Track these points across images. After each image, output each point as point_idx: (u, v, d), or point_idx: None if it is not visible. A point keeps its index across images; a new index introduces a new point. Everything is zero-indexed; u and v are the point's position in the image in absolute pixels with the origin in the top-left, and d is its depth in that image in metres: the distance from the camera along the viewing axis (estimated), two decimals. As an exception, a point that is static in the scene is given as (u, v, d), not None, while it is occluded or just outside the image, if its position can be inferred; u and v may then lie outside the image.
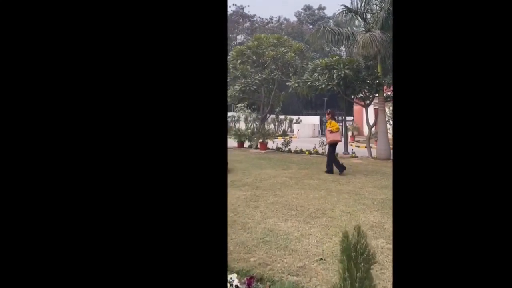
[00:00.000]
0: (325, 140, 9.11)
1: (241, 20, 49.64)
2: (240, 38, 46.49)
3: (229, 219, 4.43)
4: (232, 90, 14.28)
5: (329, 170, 8.45)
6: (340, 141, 8.99)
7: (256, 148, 13.89)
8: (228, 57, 14.97)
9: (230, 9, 50.63)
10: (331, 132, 8.55)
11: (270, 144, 14.06)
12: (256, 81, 13.92)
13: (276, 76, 13.86)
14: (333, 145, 8.62)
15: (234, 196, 5.77)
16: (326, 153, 9.04)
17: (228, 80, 15.01)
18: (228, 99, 14.59)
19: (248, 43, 15.20)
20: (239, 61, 14.47)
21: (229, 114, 25.60)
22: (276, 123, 20.72)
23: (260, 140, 13.88)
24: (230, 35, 48.11)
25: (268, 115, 15.47)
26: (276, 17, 50.96)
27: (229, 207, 5.02)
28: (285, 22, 48.58)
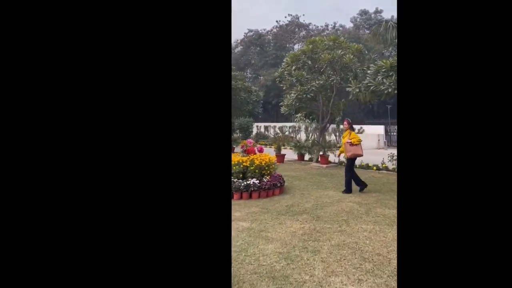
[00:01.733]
0: (395, 154, 7.50)
1: (296, 29, 48.63)
2: (296, 47, 45.36)
3: (279, 269, 3.21)
4: (289, 98, 13.00)
5: (348, 189, 7.05)
6: (362, 155, 7.32)
7: (317, 161, 12.29)
8: (283, 63, 13.78)
9: (285, 19, 49.99)
10: (352, 144, 7.07)
11: (332, 156, 12.18)
12: (313, 88, 12.45)
13: (334, 81, 12.30)
14: (353, 160, 7.22)
15: (290, 229, 4.48)
16: (345, 168, 7.38)
17: (284, 88, 13.86)
18: (285, 108, 13.37)
19: (303, 48, 13.84)
20: (294, 67, 13.14)
21: (288, 124, 24.58)
22: (337, 134, 19.08)
23: (321, 153, 12.19)
24: (287, 45, 47.24)
25: (328, 124, 13.91)
26: (331, 24, 49.18)
27: (282, 249, 3.75)
28: (340, 28, 46.56)
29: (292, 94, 12.81)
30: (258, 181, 6.60)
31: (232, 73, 19.87)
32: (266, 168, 6.98)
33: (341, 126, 14.98)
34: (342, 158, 8.64)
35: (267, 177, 6.87)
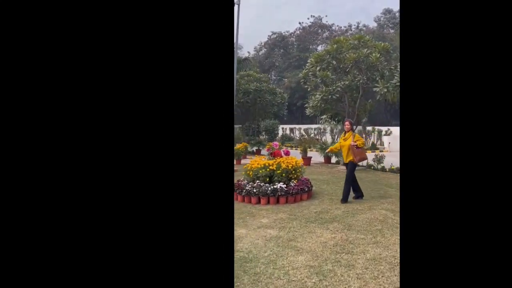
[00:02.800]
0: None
1: (319, 30, 47.96)
2: (320, 49, 44.70)
3: (311, 287, 2.92)
4: (314, 99, 12.60)
5: (359, 195, 6.48)
6: (367, 158, 6.71)
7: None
8: (307, 64, 13.39)
9: (308, 21, 49.35)
10: (358, 147, 6.32)
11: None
12: (339, 89, 12.00)
13: (361, 81, 11.81)
14: (355, 165, 6.51)
15: (320, 239, 4.15)
16: (347, 174, 6.53)
17: (308, 89, 13.48)
18: (310, 110, 12.98)
19: (327, 48, 13.39)
20: (318, 68, 12.72)
21: (313, 126, 24.15)
22: (364, 135, 18.44)
23: None
24: (310, 47, 46.65)
25: (354, 126, 13.41)
26: (355, 24, 48.17)
27: (313, 262, 3.45)
28: (364, 28, 45.51)
29: (317, 95, 12.41)
30: (285, 186, 6.28)
31: (257, 75, 19.64)
32: (293, 171, 6.65)
33: (368, 128, 14.36)
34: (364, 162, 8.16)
35: (294, 181, 6.54)
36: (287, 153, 7.33)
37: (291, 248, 3.89)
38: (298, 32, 48.38)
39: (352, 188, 6.47)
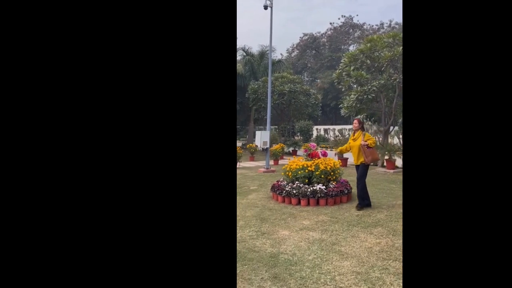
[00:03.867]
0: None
1: (351, 30, 47.02)
2: (352, 48, 43.80)
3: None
4: (348, 100, 12.29)
5: (368, 203, 5.80)
6: (379, 159, 6.10)
7: (383, 166, 11.30)
8: (340, 64, 13.09)
9: (339, 21, 48.52)
10: (369, 147, 5.67)
11: (398, 161, 11.04)
12: (374, 88, 11.64)
13: (397, 80, 11.42)
14: (368, 166, 5.86)
15: (365, 244, 3.99)
16: (358, 176, 5.89)
17: (342, 90, 13.18)
18: (345, 110, 12.68)
19: (360, 47, 13.01)
20: (352, 67, 12.40)
21: (348, 126, 23.66)
22: (401, 136, 17.82)
23: (386, 157, 11.08)
24: (342, 47, 45.83)
25: (391, 127, 12.94)
26: (387, 22, 46.84)
27: (360, 268, 3.32)
28: (397, 26, 44.12)
29: (352, 96, 12.11)
30: (324, 187, 6.13)
31: (290, 77, 19.48)
32: (332, 173, 6.48)
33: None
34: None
35: (333, 183, 6.38)
36: (324, 154, 7.16)
37: (335, 253, 3.76)
38: (329, 32, 47.70)
39: (362, 196, 5.84)
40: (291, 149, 17.16)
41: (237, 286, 3.02)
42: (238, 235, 4.50)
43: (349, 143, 6.15)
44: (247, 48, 25.85)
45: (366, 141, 5.71)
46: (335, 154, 6.79)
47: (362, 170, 5.82)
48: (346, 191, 6.34)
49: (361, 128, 6.06)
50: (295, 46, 49.68)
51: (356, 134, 6.03)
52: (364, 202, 5.81)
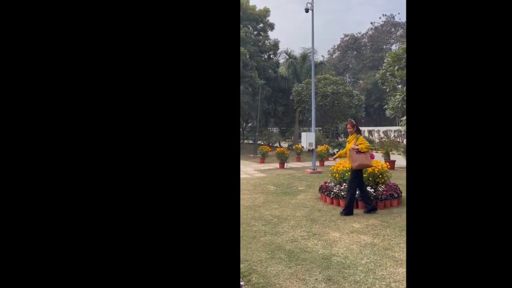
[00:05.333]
0: None
1: (392, 29, 45.38)
2: (394, 48, 42.32)
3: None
4: (394, 100, 11.89)
5: (349, 211, 5.39)
6: (371, 165, 5.48)
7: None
8: (383, 64, 12.70)
9: (380, 20, 47.08)
10: (359, 152, 5.37)
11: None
12: (421, 89, 11.19)
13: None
14: (359, 172, 5.50)
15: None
16: (349, 182, 5.59)
17: (387, 90, 12.77)
18: (390, 111, 12.28)
19: (403, 46, 12.53)
20: (396, 67, 11.97)
21: (393, 128, 22.88)
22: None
23: None
24: (384, 46, 44.39)
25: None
26: (432, 19, 44.60)
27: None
28: (443, 22, 41.99)
29: (397, 96, 11.70)
30: (373, 190, 5.98)
31: (333, 78, 19.19)
32: (380, 176, 6.30)
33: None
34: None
35: (382, 186, 6.19)
36: (371, 157, 6.98)
37: (388, 258, 3.65)
38: (370, 32, 46.31)
39: (363, 200, 5.63)
40: (335, 150, 16.90)
41: (292, 286, 3.03)
42: (289, 234, 4.52)
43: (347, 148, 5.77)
44: (289, 51, 25.83)
45: (357, 146, 5.43)
46: (334, 159, 6.39)
47: (353, 175, 5.51)
48: (396, 195, 6.12)
49: (357, 131, 5.71)
50: (336, 47, 48.78)
51: (349, 138, 5.71)
52: (371, 206, 5.55)
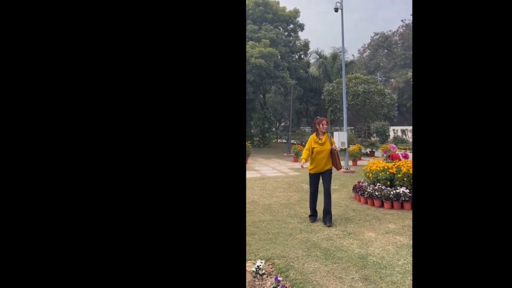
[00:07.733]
0: None
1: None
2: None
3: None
4: (428, 100, 11.48)
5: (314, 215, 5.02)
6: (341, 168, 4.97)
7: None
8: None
9: (411, 17, 45.46)
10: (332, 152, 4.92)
11: None
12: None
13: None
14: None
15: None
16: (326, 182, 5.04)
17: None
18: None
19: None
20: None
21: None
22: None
23: None
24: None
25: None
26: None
27: None
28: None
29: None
30: (408, 191, 5.81)
31: (364, 77, 18.75)
32: (415, 176, 6.10)
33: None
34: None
35: (417, 186, 6.00)
36: (405, 156, 6.79)
37: (427, 258, 3.54)
38: (401, 30, 44.80)
39: (310, 206, 5.15)
40: (368, 150, 16.52)
41: (328, 283, 3.02)
42: (325, 232, 4.49)
43: (310, 148, 4.95)
44: (319, 51, 25.53)
45: (334, 146, 4.97)
46: (302, 167, 5.18)
47: (329, 177, 5.00)
48: (431, 194, 5.92)
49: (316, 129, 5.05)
50: (366, 46, 47.60)
51: (323, 138, 4.92)
52: (313, 213, 5.12)
